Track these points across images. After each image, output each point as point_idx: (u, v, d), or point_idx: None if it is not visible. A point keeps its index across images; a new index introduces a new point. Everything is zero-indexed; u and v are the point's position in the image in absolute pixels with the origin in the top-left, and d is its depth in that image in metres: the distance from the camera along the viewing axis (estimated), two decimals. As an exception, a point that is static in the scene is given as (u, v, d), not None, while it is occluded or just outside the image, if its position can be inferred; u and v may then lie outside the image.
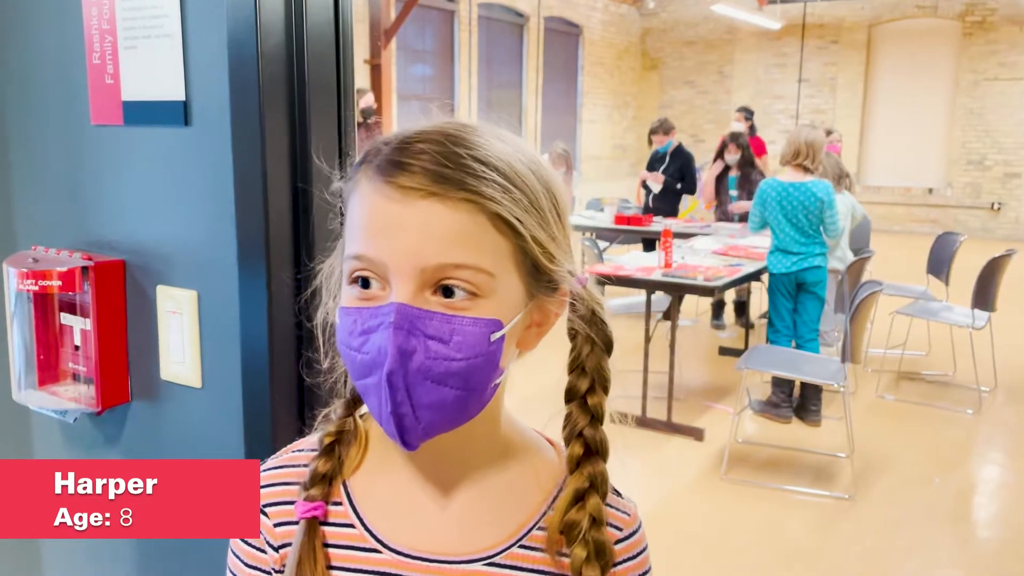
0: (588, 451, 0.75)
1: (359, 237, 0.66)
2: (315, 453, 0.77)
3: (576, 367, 0.76)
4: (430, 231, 0.63)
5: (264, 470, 0.79)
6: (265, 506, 0.77)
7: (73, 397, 1.30)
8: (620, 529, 0.77)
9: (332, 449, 0.76)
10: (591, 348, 0.75)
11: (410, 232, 0.64)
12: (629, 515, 0.79)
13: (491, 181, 0.65)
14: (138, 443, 1.30)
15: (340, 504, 0.75)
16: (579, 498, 0.73)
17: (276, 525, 0.76)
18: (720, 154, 6.61)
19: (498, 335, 0.66)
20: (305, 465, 0.77)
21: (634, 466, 4.11)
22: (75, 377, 1.32)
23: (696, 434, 4.34)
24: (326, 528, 0.74)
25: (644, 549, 0.79)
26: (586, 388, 0.75)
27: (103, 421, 1.33)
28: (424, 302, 0.64)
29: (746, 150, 6.46)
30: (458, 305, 0.64)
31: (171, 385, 1.24)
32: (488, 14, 11.13)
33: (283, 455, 0.80)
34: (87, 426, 1.36)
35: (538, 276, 0.69)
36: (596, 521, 0.73)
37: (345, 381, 0.79)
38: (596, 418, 0.75)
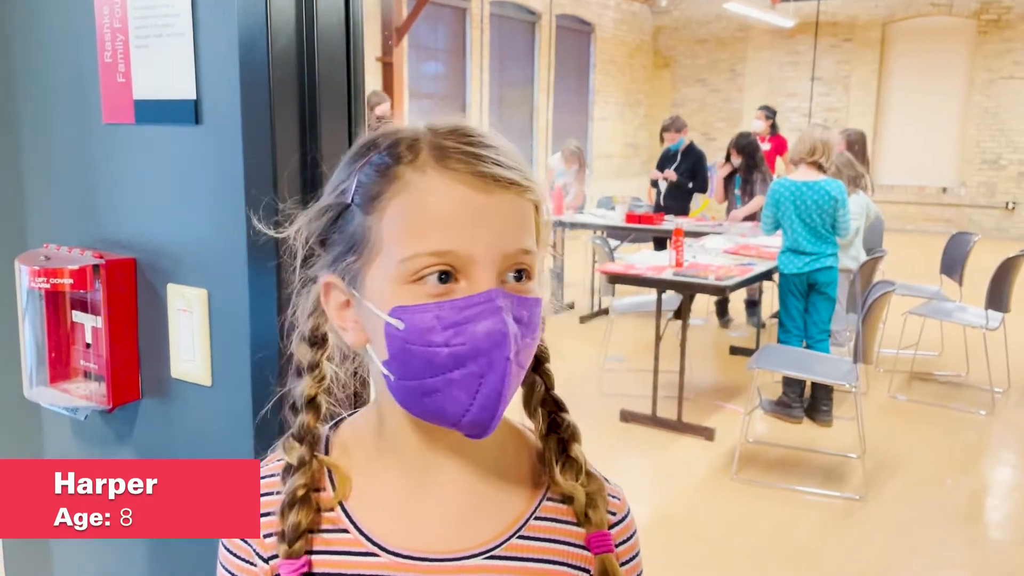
0: (551, 415, 0.77)
1: (433, 231, 0.65)
2: (283, 511, 0.73)
3: None
4: (510, 219, 0.67)
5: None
6: None
7: (84, 395, 1.30)
8: (614, 514, 0.78)
9: (307, 499, 0.73)
10: None
11: (495, 220, 0.66)
12: (619, 499, 0.80)
13: (526, 171, 0.69)
14: (148, 441, 1.31)
15: (332, 510, 0.74)
16: (562, 453, 0.76)
17: (266, 536, 0.74)
18: (729, 157, 6.60)
19: (541, 312, 0.69)
20: (278, 474, 0.75)
21: (644, 466, 4.11)
22: (86, 375, 1.33)
23: (707, 434, 4.32)
24: (320, 535, 0.73)
25: (634, 532, 0.81)
26: (534, 363, 0.77)
27: (114, 419, 1.34)
28: (503, 286, 0.66)
29: (750, 156, 6.43)
30: (525, 288, 0.68)
31: (181, 383, 1.24)
32: (500, 12, 11.12)
33: (271, 463, 0.78)
34: (98, 423, 1.36)
35: (544, 235, 0.73)
36: (584, 469, 0.76)
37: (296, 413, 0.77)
38: (549, 386, 0.78)
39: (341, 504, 0.74)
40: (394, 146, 0.68)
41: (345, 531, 0.73)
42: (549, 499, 0.76)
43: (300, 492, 0.73)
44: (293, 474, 0.73)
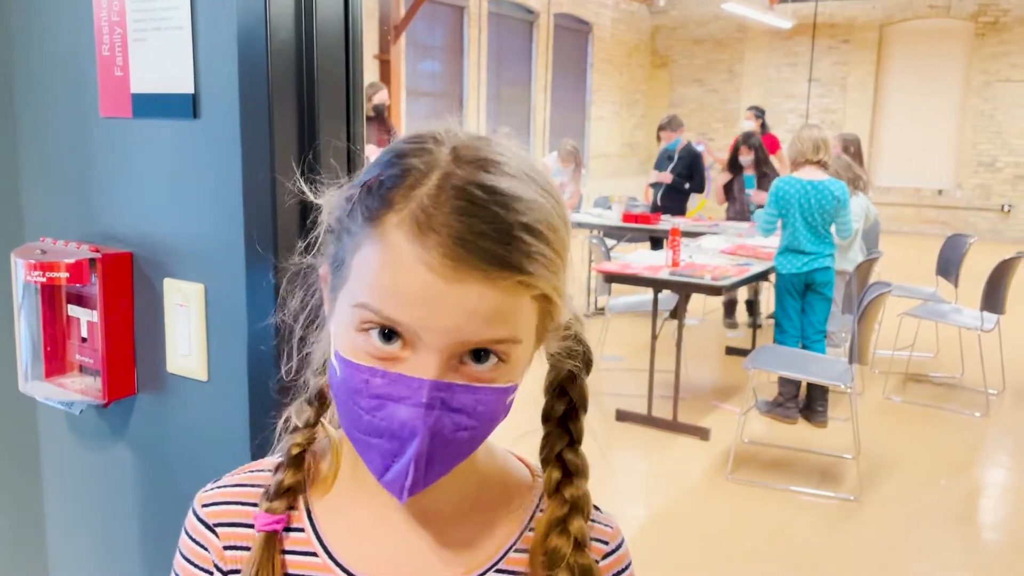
0: (567, 473, 0.72)
1: (384, 295, 0.59)
2: (277, 468, 0.73)
3: (554, 389, 0.73)
4: (478, 313, 0.58)
5: (217, 487, 0.75)
6: (216, 525, 0.73)
7: (80, 389, 1.30)
8: (606, 543, 0.75)
9: (300, 460, 0.72)
10: (574, 372, 0.73)
11: (455, 312, 0.58)
12: (612, 528, 0.76)
13: (539, 255, 0.60)
14: (144, 436, 1.31)
15: (302, 531, 0.71)
16: (560, 522, 0.70)
17: (226, 548, 0.72)
18: (733, 161, 6.59)
19: (512, 397, 0.64)
20: (261, 486, 0.73)
21: (639, 466, 4.11)
22: (82, 369, 1.32)
23: (702, 434, 4.33)
24: (287, 558, 0.70)
25: (629, 563, 0.77)
26: (563, 410, 0.73)
27: (109, 413, 1.33)
28: (452, 370, 0.60)
29: (759, 150, 6.45)
30: (485, 375, 0.61)
31: (177, 378, 1.24)
32: (498, 10, 11.12)
33: (240, 473, 0.76)
34: (93, 418, 1.36)
35: (551, 325, 0.67)
36: (579, 544, 0.70)
37: (306, 380, 0.76)
38: (575, 440, 0.73)
39: (312, 526, 0.71)
40: (395, 183, 0.60)
41: (314, 555, 0.70)
42: (531, 530, 0.73)
43: (295, 451, 0.72)
44: (294, 432, 0.73)
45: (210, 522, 0.73)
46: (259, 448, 1.14)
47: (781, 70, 13.44)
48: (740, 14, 11.23)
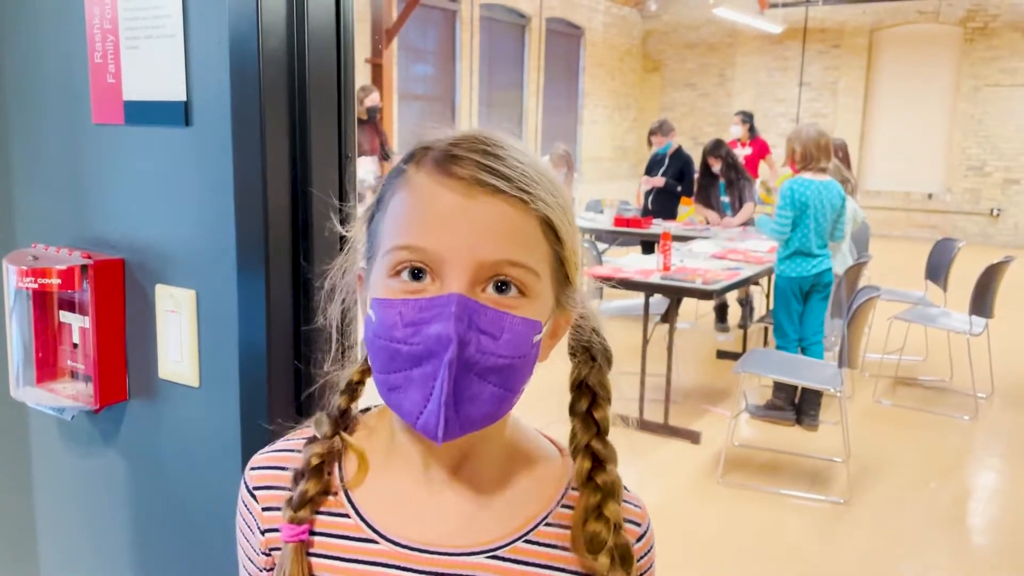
0: (597, 461, 0.76)
1: (411, 227, 0.66)
2: (297, 479, 0.76)
3: (579, 384, 0.77)
4: (489, 225, 0.65)
5: (265, 452, 0.81)
6: (256, 488, 0.78)
7: (71, 395, 1.30)
8: (639, 525, 0.78)
9: (320, 470, 0.75)
10: (595, 366, 0.77)
11: (470, 224, 0.65)
12: (640, 508, 0.80)
13: (539, 185, 0.67)
14: (135, 441, 1.31)
15: (335, 494, 0.75)
16: (596, 508, 0.73)
17: (264, 509, 0.77)
18: (705, 169, 6.64)
19: (538, 337, 0.68)
20: (299, 451, 0.77)
21: (630, 469, 4.11)
22: (73, 375, 1.32)
23: (693, 437, 4.34)
24: (319, 517, 0.74)
25: (653, 543, 0.81)
26: (589, 403, 0.77)
27: (101, 419, 1.34)
28: (477, 296, 0.65)
29: (727, 156, 6.50)
30: (508, 302, 0.66)
31: (169, 384, 1.24)
32: (490, 14, 11.13)
33: (290, 438, 0.81)
34: (84, 424, 1.36)
35: (565, 287, 0.71)
36: (617, 527, 0.74)
37: (327, 393, 0.80)
38: (602, 431, 0.77)
39: (346, 491, 0.75)
40: (413, 150, 0.70)
41: (346, 516, 0.74)
42: (563, 506, 0.76)
43: (314, 462, 0.75)
44: (313, 443, 0.76)
45: (251, 485, 0.78)
46: (250, 453, 1.14)
47: (772, 74, 13.49)
48: (731, 19, 11.27)
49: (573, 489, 0.76)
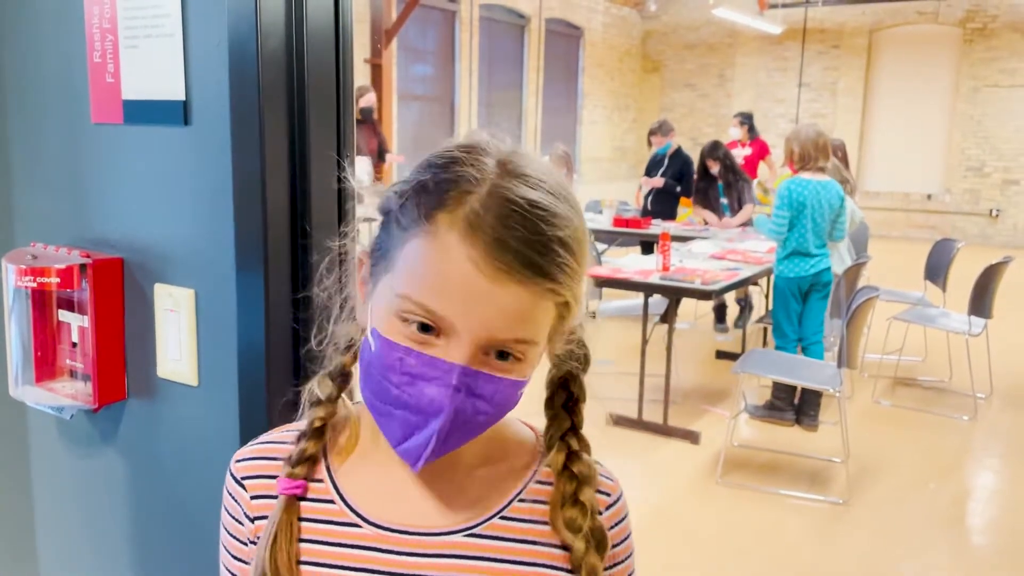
0: (572, 452, 0.79)
1: (429, 288, 0.66)
2: (299, 438, 0.80)
3: (556, 383, 0.81)
4: (510, 311, 0.66)
5: (251, 445, 0.83)
6: (244, 478, 0.80)
7: (70, 394, 1.30)
8: (608, 495, 0.81)
9: (321, 432, 0.79)
10: (574, 369, 0.80)
11: (491, 308, 0.66)
12: (612, 481, 0.82)
13: (568, 267, 0.68)
14: (134, 440, 1.31)
15: (321, 481, 0.78)
16: (572, 495, 0.77)
17: (253, 497, 0.79)
18: (704, 171, 6.64)
19: (524, 389, 0.72)
20: (290, 443, 0.80)
21: (630, 469, 4.12)
22: (72, 374, 1.32)
23: (692, 437, 4.34)
24: (305, 503, 0.77)
25: (627, 514, 0.83)
26: (566, 399, 0.81)
27: (99, 418, 1.34)
28: (478, 363, 0.68)
29: (725, 158, 6.51)
30: (505, 367, 0.69)
31: (168, 383, 1.24)
32: (489, 15, 11.13)
33: (273, 432, 0.84)
34: (83, 423, 1.36)
35: (562, 329, 0.74)
36: (593, 513, 0.77)
37: (328, 357, 0.82)
38: (577, 425, 0.80)
39: (331, 478, 0.78)
40: (450, 187, 0.67)
41: (331, 501, 0.77)
42: (537, 482, 0.79)
43: (317, 423, 0.79)
44: (317, 406, 0.79)
45: (239, 476, 0.81)
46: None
47: (771, 75, 13.49)
48: (730, 19, 11.27)
49: (548, 467, 0.79)
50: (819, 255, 4.41)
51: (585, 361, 0.81)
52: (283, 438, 0.82)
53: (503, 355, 0.68)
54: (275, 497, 0.77)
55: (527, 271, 0.65)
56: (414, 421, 0.68)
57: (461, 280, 0.65)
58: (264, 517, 0.78)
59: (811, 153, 4.36)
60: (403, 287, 0.68)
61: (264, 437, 0.84)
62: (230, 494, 0.81)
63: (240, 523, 0.80)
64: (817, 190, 4.33)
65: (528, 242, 0.65)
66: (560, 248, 0.67)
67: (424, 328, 0.67)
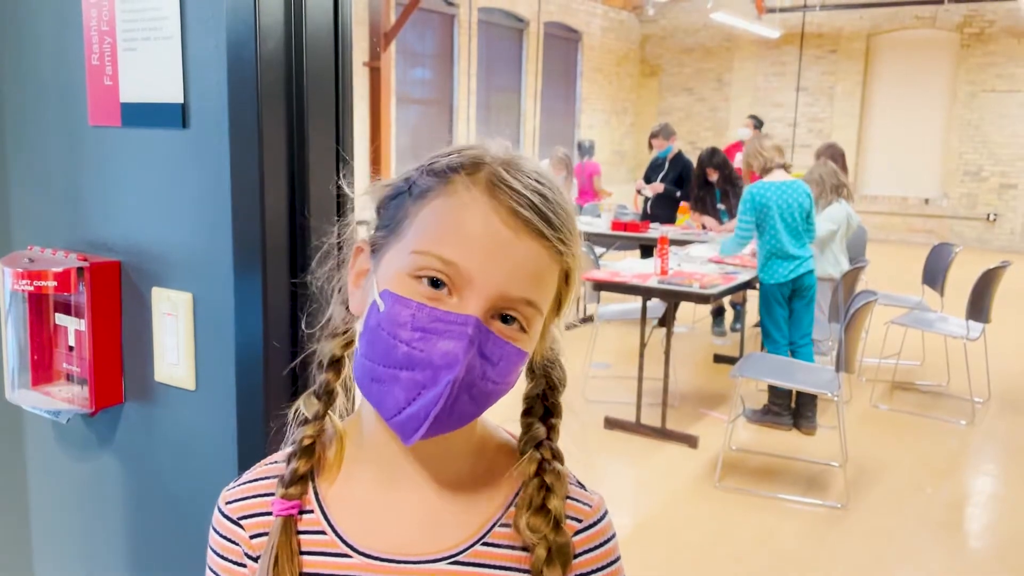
0: (543, 460, 0.78)
1: (451, 240, 0.67)
2: (290, 458, 0.79)
3: (534, 397, 0.81)
4: (524, 264, 0.68)
5: (238, 484, 0.81)
6: (240, 519, 0.79)
7: (66, 398, 1.29)
8: (580, 521, 0.79)
9: (311, 450, 0.78)
10: (549, 387, 0.81)
11: (508, 259, 0.67)
12: (591, 507, 0.80)
13: (573, 236, 0.72)
14: (131, 445, 1.30)
15: (312, 512, 0.77)
16: (539, 503, 0.76)
17: (252, 537, 0.78)
18: (703, 179, 6.66)
19: (523, 367, 0.72)
20: (274, 477, 0.79)
21: (628, 473, 4.12)
22: (69, 378, 1.32)
23: (690, 441, 4.34)
24: (302, 537, 0.77)
25: (608, 539, 0.80)
26: (542, 414, 0.81)
27: (96, 422, 1.33)
28: (488, 323, 0.68)
29: (724, 166, 6.54)
30: (510, 334, 0.69)
31: (165, 387, 1.24)
32: (488, 18, 11.14)
33: (256, 468, 0.83)
34: (80, 427, 1.36)
35: (552, 320, 0.75)
36: (558, 523, 0.75)
37: (313, 375, 0.82)
38: (551, 437, 0.80)
39: (320, 507, 0.77)
40: (464, 158, 0.71)
41: (323, 532, 0.76)
42: (515, 506, 0.77)
43: (307, 442, 0.78)
44: (305, 424, 0.79)
45: (235, 517, 0.79)
46: (246, 457, 1.14)
47: (769, 79, 13.51)
48: (728, 23, 11.29)
49: (517, 473, 0.78)
50: (799, 257, 4.40)
51: (562, 380, 0.82)
52: (269, 472, 0.81)
53: (507, 319, 0.68)
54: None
55: (545, 227, 0.68)
56: (420, 379, 0.66)
57: (484, 231, 0.67)
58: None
59: (764, 157, 4.39)
60: (419, 244, 0.68)
61: (247, 476, 0.82)
62: (225, 536, 0.80)
63: (238, 564, 0.79)
64: (782, 190, 4.35)
65: (544, 202, 0.69)
66: (566, 218, 0.71)
67: (435, 284, 0.67)
